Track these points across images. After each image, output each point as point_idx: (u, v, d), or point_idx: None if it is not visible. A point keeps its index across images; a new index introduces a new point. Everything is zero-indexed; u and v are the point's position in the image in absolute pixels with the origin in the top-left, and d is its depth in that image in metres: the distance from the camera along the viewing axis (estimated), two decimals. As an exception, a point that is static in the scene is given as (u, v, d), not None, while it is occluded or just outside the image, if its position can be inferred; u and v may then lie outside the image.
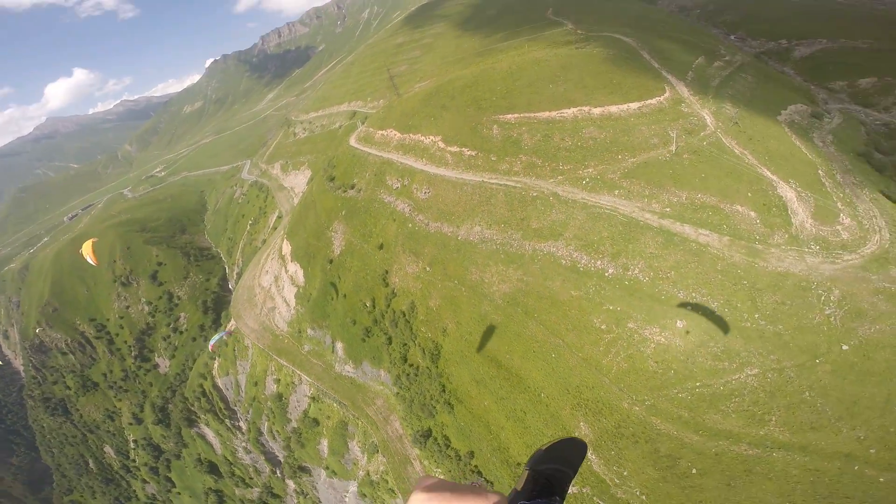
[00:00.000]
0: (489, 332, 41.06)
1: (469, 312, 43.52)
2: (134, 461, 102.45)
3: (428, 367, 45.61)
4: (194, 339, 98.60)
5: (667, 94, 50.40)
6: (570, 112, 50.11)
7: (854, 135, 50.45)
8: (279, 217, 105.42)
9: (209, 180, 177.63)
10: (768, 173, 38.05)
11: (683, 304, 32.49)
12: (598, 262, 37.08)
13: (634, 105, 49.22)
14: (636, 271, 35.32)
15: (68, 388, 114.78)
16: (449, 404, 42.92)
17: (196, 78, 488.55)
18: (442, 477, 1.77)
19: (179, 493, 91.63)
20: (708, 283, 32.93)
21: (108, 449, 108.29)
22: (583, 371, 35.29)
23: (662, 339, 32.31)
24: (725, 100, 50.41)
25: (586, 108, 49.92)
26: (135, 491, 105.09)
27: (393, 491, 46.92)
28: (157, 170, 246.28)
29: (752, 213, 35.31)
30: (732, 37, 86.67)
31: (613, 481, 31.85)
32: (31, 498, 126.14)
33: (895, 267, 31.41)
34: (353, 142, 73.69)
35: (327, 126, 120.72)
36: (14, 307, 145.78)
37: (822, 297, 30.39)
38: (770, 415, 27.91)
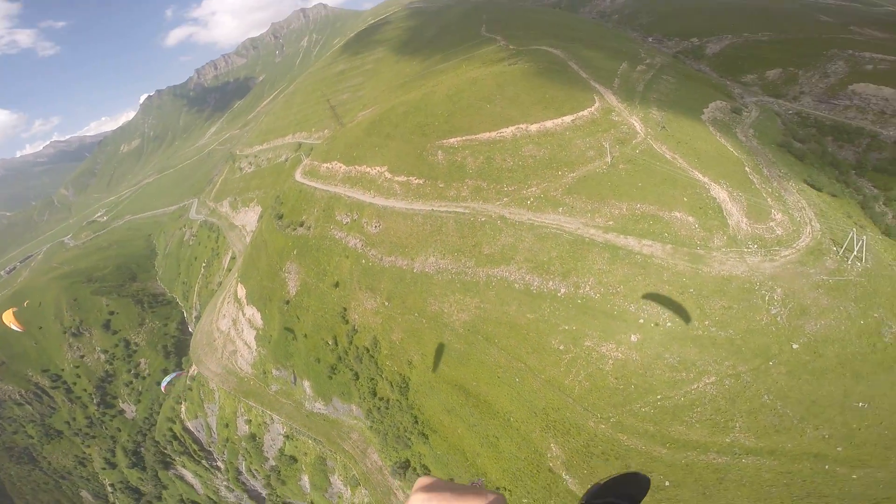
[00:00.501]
0: (452, 360, 39.64)
1: (432, 343, 41.83)
2: None
3: (398, 400, 43.49)
4: (158, 384, 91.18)
5: (597, 105, 51.29)
6: (508, 131, 49.89)
7: (772, 126, 53.39)
8: (233, 258, 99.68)
9: (156, 222, 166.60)
10: (700, 176, 39.09)
11: (635, 318, 32.47)
12: (550, 283, 36.56)
13: (568, 118, 49.68)
14: (587, 289, 35.03)
15: (30, 437, 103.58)
16: (423, 434, 41.09)
17: (131, 115, 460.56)
18: (438, 477, 1.58)
19: None
20: (656, 294, 33.06)
21: (84, 494, 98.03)
22: (547, 393, 34.55)
23: (619, 355, 32.03)
24: (651, 105, 51.95)
25: (524, 126, 49.87)
26: None
27: None
28: (99, 214, 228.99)
29: (691, 219, 35.95)
30: (650, 39, 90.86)
31: (592, 503, 31.06)
32: None
33: (829, 258, 32.66)
34: (298, 176, 70.53)
35: (273, 159, 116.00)
36: None
37: (767, 297, 31.05)
38: (733, 421, 27.97)
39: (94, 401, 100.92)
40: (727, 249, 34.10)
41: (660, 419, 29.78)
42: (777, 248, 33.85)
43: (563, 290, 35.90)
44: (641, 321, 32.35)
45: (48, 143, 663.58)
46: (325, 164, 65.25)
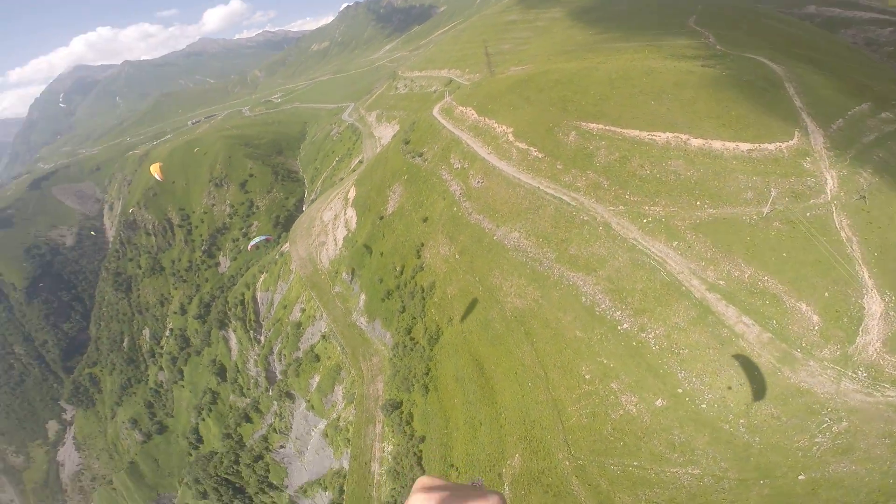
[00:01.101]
0: (485, 337, 39.71)
1: (477, 312, 42.18)
2: (162, 348, 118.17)
3: (423, 347, 45.73)
4: (258, 248, 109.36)
5: (793, 142, 41.43)
6: (663, 136, 43.75)
7: None
8: (360, 162, 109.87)
9: (314, 114, 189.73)
10: (865, 275, 30.13)
11: (675, 385, 28.54)
12: (618, 313, 33.06)
13: (745, 146, 41.31)
14: (650, 335, 31.02)
15: (139, 267, 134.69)
16: (426, 387, 43.26)
17: (329, 20, 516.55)
18: (438, 477, 1.56)
19: (183, 387, 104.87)
20: (716, 373, 28.09)
21: (146, 332, 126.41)
22: (546, 410, 33.36)
23: (634, 410, 29.07)
24: (867, 164, 40.18)
25: (684, 137, 43.15)
26: (147, 376, 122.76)
27: (347, 442, 49.48)
28: (275, 96, 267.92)
29: (815, 318, 28.51)
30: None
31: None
32: (59, 364, 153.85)
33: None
34: (435, 111, 72.65)
35: (425, 87, 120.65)
36: (125, 185, 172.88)
37: (824, 425, 24.80)
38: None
39: (202, 247, 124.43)
40: (829, 365, 26.91)
41: (618, 482, 27.67)
42: (887, 387, 25.71)
43: (625, 325, 32.41)
44: (679, 391, 28.37)
45: (260, 31, 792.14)
46: (460, 107, 65.85)
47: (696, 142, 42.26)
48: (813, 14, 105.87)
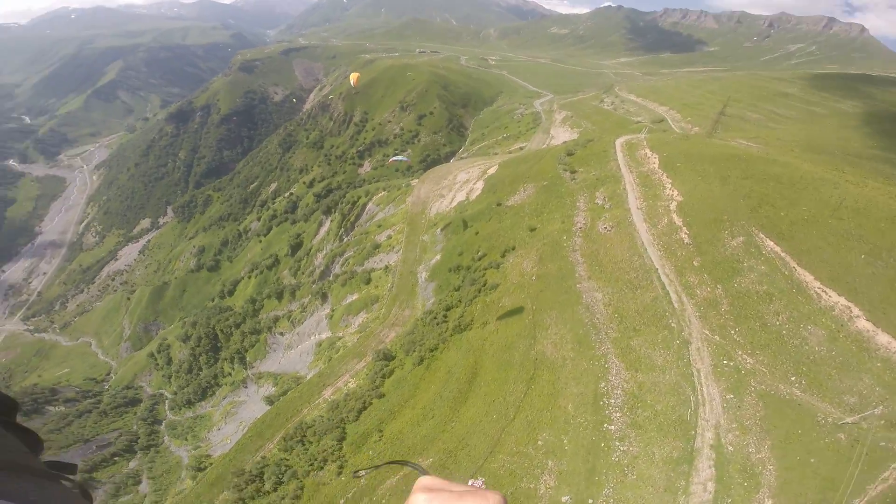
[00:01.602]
0: (498, 358, 38.08)
1: (509, 333, 40.45)
2: (273, 203, 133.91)
3: (447, 329, 45.83)
4: (397, 171, 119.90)
5: None
6: (833, 298, 34.44)
7: None
8: (520, 149, 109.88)
9: (513, 89, 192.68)
10: None
11: (593, 497, 24.21)
12: (617, 414, 28.95)
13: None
14: (623, 447, 26.46)
15: (307, 137, 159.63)
16: (421, 360, 44.76)
17: (581, 10, 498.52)
18: (438, 476, 1.75)
19: (260, 241, 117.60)
20: None
21: (273, 186, 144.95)
22: (484, 443, 32.93)
23: (541, 491, 28.80)
24: None
25: (856, 311, 33.26)
26: (245, 218, 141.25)
27: (328, 361, 53.35)
28: (493, 58, 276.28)
29: None
30: None
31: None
32: (195, 178, 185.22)
33: None
34: (620, 140, 67.71)
35: (631, 114, 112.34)
36: (342, 77, 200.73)
37: None
38: None
39: (359, 148, 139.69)
40: None
41: None
42: None
43: (612, 428, 28.73)
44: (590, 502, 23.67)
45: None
46: (647, 150, 59.96)
47: (862, 323, 32.17)
48: None
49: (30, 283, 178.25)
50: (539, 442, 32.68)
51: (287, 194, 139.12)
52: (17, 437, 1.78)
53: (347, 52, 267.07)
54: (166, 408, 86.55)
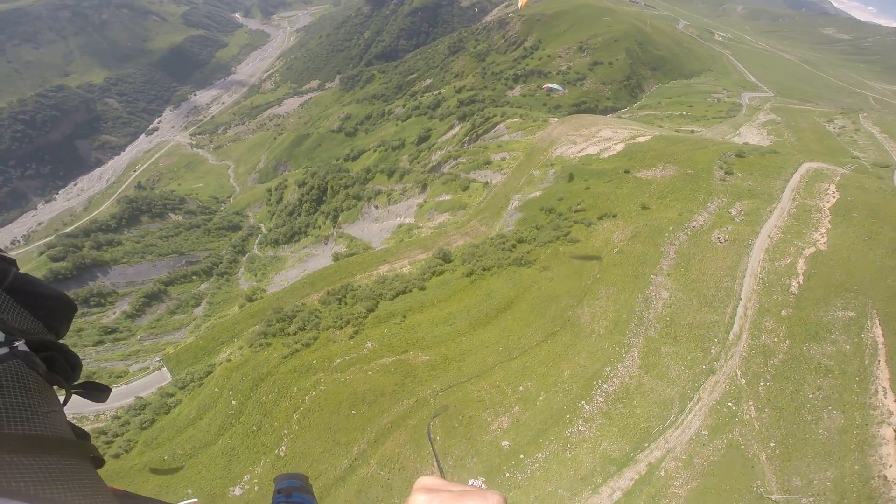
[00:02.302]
0: (532, 306, 39.36)
1: (559, 286, 40.89)
2: (422, 97, 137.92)
3: (508, 255, 47.63)
4: (544, 105, 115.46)
5: None
6: None
7: None
8: (691, 131, 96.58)
9: (725, 71, 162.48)
10: None
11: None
12: (587, 406, 28.47)
13: None
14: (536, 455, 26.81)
15: (475, 46, 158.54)
16: (471, 273, 47.80)
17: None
18: (439, 476, 1.73)
19: (397, 125, 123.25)
20: None
21: (427, 81, 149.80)
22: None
23: None
24: None
25: None
26: (393, 102, 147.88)
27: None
28: (720, 34, 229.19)
29: None
30: None
31: None
32: (370, 56, 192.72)
33: None
34: (808, 164, 55.82)
35: (856, 146, 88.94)
36: (533, 2, 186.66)
37: None
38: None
39: (518, 72, 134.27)
40: None
41: None
42: None
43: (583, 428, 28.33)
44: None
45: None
46: (832, 187, 48.95)
47: (888, 431, 25.94)
48: None
49: (209, 107, 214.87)
50: (520, 388, 34.90)
51: (436, 92, 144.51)
52: (56, 365, 1.69)
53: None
54: (256, 241, 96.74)
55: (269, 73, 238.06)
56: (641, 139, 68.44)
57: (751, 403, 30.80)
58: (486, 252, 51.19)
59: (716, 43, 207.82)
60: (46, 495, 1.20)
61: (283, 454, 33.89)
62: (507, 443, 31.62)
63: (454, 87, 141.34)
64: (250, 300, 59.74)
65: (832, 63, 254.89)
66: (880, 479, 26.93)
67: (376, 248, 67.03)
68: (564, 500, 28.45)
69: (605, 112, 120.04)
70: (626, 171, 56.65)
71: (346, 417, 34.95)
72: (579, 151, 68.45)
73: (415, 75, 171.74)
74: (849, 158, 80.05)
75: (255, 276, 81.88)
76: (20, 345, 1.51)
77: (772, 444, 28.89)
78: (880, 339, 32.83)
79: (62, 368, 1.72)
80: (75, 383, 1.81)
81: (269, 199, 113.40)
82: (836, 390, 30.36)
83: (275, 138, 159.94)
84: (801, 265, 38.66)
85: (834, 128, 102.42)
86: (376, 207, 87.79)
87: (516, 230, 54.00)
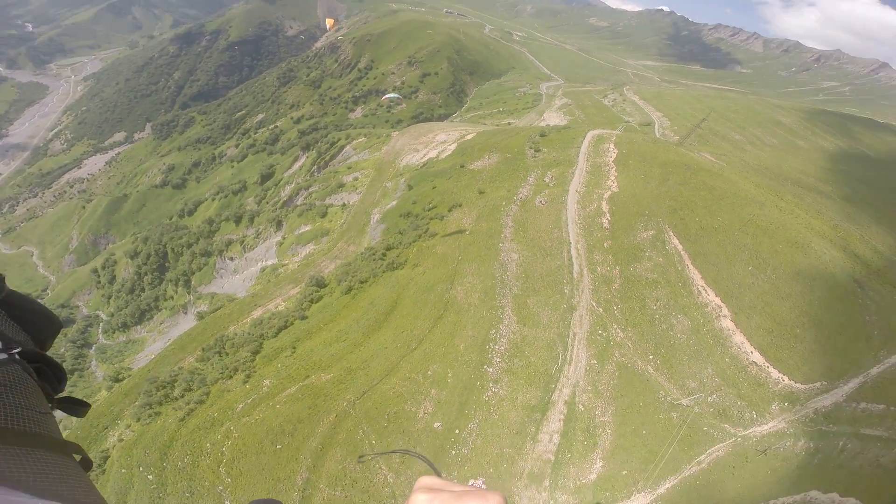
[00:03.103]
0: (417, 296, 43.66)
1: (432, 275, 45.95)
2: (255, 134, 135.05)
3: (381, 265, 51.19)
4: (387, 122, 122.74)
5: (800, 386, 35.79)
6: (710, 297, 40.72)
7: None
8: (508, 123, 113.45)
9: (526, 67, 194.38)
10: None
11: (458, 428, 31.48)
12: (497, 359, 35.03)
13: (759, 357, 36.53)
14: (495, 388, 33.52)
15: (307, 75, 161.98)
16: (350, 289, 50.30)
17: (631, 8, 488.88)
18: (439, 476, 1.78)
19: (233, 167, 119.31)
20: (487, 445, 30.99)
21: (260, 116, 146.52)
22: (382, 366, 38.95)
23: (419, 414, 33.21)
24: (818, 441, 33.03)
25: (726, 312, 39.42)
26: (223, 143, 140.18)
27: (268, 285, 58.70)
28: (517, 34, 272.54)
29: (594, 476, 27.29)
30: None
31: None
32: (184, 99, 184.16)
33: None
34: (591, 133, 71.96)
35: (626, 113, 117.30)
36: (361, 23, 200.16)
37: None
38: None
39: (356, 94, 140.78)
40: None
41: (346, 448, 32.45)
42: None
43: (490, 370, 34.87)
44: (456, 431, 32.35)
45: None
46: (610, 144, 64.89)
47: (726, 322, 38.72)
48: None
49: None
50: (428, 372, 38.50)
51: (272, 126, 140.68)
52: (45, 375, 1.77)
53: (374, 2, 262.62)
54: (99, 331, 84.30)
55: (55, 130, 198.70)
56: (469, 137, 79.23)
57: (615, 326, 39.48)
58: (359, 267, 53.75)
59: (515, 42, 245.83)
60: (45, 487, 1.31)
61: (230, 509, 31.80)
62: (439, 424, 34.63)
63: (291, 118, 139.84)
64: (117, 381, 55.23)
65: (599, 48, 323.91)
66: (754, 365, 37.12)
67: (231, 311, 63.82)
68: (514, 458, 32.29)
69: (440, 119, 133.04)
70: (462, 166, 65.47)
71: (274, 453, 34.16)
72: (422, 157, 75.95)
73: (243, 112, 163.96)
74: (622, 123, 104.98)
75: (113, 364, 73.20)
76: (16, 353, 1.64)
77: (650, 357, 37.34)
78: (680, 247, 45.21)
79: (49, 379, 1.83)
80: (59, 396, 1.93)
81: (100, 281, 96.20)
82: (671, 297, 40.93)
83: (83, 207, 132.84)
84: (605, 206, 50.74)
85: (608, 101, 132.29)
86: (231, 259, 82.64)
87: (383, 240, 57.80)
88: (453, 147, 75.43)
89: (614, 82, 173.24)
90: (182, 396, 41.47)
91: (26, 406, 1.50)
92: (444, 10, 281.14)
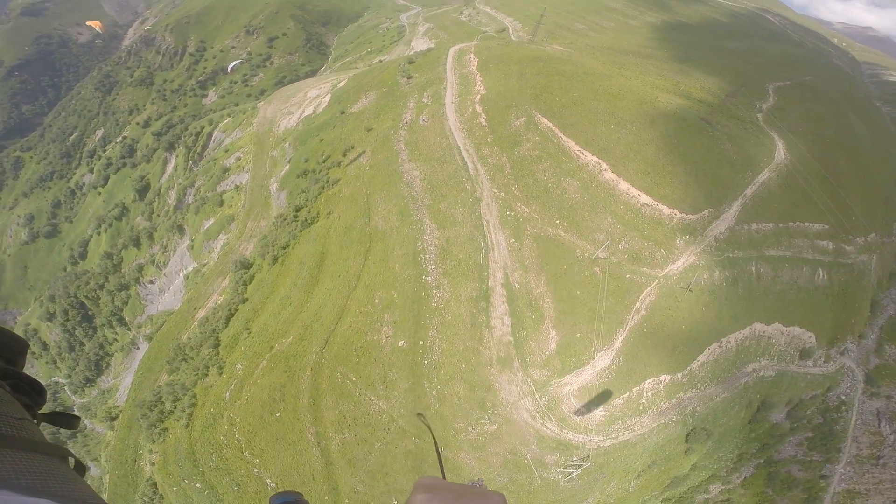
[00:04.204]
0: (341, 239, 47.31)
1: (348, 217, 49.57)
2: (105, 151, 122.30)
3: (297, 226, 53.38)
4: (249, 97, 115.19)
5: (693, 217, 46.68)
6: (589, 157, 49.38)
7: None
8: (380, 62, 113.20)
9: (381, 3, 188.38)
10: (620, 339, 37.48)
11: (423, 338, 37.32)
12: (432, 266, 41.58)
13: (646, 198, 46.64)
14: (438, 293, 40.72)
15: (131, 76, 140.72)
16: (275, 258, 52.66)
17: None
18: (439, 477, 1.82)
19: (100, 194, 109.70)
20: (453, 343, 37.71)
21: (99, 133, 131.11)
22: (334, 312, 42.66)
23: (383, 341, 38.88)
24: (727, 269, 45.62)
25: (605, 166, 48.57)
26: (73, 173, 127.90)
27: (197, 287, 59.10)
28: None
29: (553, 346, 37.06)
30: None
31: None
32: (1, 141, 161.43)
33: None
34: (454, 48, 76.21)
35: (482, 24, 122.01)
36: (169, 7, 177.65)
37: (481, 421, 35.38)
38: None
39: (199, 78, 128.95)
40: (530, 382, 36.12)
41: (333, 387, 37.08)
42: (550, 422, 33.48)
43: (429, 279, 41.02)
44: (421, 342, 37.89)
45: None
46: (471, 55, 69.60)
47: (608, 175, 47.51)
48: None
49: None
50: (376, 301, 42.54)
51: (119, 139, 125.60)
52: (21, 390, 1.90)
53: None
54: (70, 393, 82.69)
55: None
56: (342, 84, 79.42)
57: (519, 204, 45.70)
58: (276, 236, 55.19)
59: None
60: (27, 485, 1.38)
61: (273, 484, 35.94)
62: (403, 342, 38.98)
63: (137, 123, 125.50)
64: (112, 419, 59.04)
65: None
66: (646, 206, 44.42)
67: (176, 320, 63.45)
68: (478, 348, 37.37)
69: (308, 76, 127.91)
70: (342, 112, 66.85)
71: (277, 422, 37.89)
72: (299, 117, 75.29)
73: (76, 134, 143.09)
74: (480, 33, 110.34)
75: (91, 411, 73.76)
76: None
77: (557, 222, 43.58)
78: (550, 124, 52.09)
79: (27, 392, 2.07)
80: (44, 412, 2.13)
81: (34, 353, 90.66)
82: (556, 166, 47.81)
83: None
84: (479, 108, 56.32)
85: (465, 17, 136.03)
86: (151, 282, 78.90)
87: (289, 204, 59.03)
88: (328, 98, 75.59)
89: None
90: (175, 408, 44.08)
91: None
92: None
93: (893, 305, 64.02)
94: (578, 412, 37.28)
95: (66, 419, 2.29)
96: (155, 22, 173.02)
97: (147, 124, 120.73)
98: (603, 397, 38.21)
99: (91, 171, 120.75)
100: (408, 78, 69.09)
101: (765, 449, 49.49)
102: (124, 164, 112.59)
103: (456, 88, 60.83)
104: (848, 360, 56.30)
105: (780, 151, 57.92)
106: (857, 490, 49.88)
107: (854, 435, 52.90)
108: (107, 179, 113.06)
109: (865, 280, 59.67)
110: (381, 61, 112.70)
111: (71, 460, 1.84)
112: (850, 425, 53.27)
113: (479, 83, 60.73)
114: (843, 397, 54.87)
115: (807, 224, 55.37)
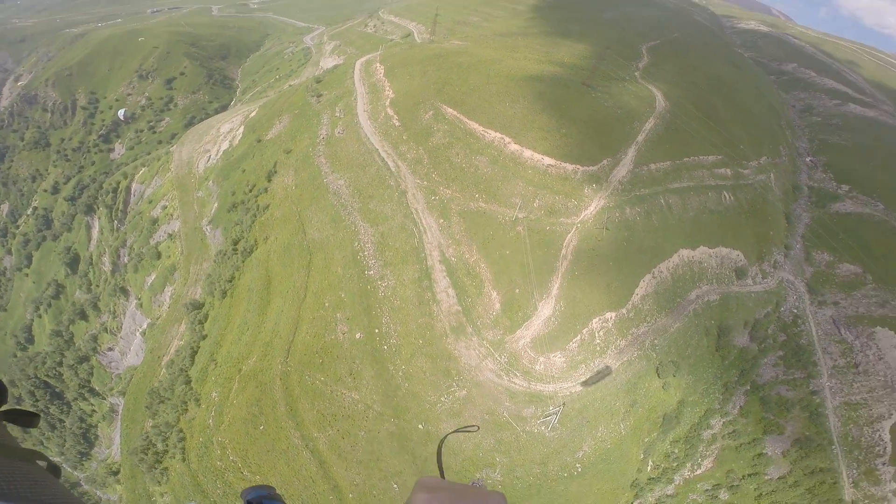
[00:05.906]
0: (282, 258, 50.77)
1: (285, 237, 53.10)
2: (18, 227, 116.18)
3: (238, 258, 56.07)
4: (160, 143, 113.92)
5: (593, 168, 53.48)
6: (492, 134, 55.37)
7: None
8: (290, 87, 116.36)
9: (281, 28, 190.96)
10: (556, 286, 43.70)
11: (377, 326, 41.16)
12: (372, 261, 45.99)
13: (548, 160, 53.48)
14: (382, 284, 44.25)
15: (22, 139, 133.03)
16: (224, 292, 55.09)
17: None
18: (439, 478, 1.85)
19: (27, 275, 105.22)
20: (406, 324, 42.00)
21: (4, 207, 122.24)
22: (289, 324, 46.23)
23: (340, 338, 42.63)
24: (636, 206, 53.45)
25: (507, 139, 54.79)
26: None
27: (156, 338, 60.51)
28: (254, 1, 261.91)
29: (498, 306, 42.35)
30: (808, 158, 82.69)
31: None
32: None
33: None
34: (361, 60, 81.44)
35: (388, 33, 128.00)
36: (45, 60, 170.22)
37: (451, 389, 39.92)
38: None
39: (101, 132, 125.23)
40: (486, 345, 41.40)
41: (305, 391, 41.06)
42: (517, 376, 39.10)
43: (371, 272, 45.20)
44: (376, 331, 42.37)
45: None
46: (377, 63, 75.03)
47: (513, 147, 54.16)
48: (788, 71, 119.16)
49: None
50: (326, 304, 46.60)
51: (30, 210, 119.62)
52: None
53: (42, 31, 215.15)
54: (70, 469, 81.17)
55: None
56: (253, 114, 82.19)
57: (441, 188, 50.44)
58: (220, 272, 57.46)
59: (256, 11, 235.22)
60: None
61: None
62: (360, 334, 42.72)
63: (45, 190, 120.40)
64: (115, 473, 63.57)
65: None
66: (551, 167, 50.38)
67: (144, 370, 64.20)
68: (431, 323, 41.28)
69: (219, 112, 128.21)
70: (259, 140, 69.97)
71: (262, 434, 40.70)
72: (217, 153, 77.39)
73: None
74: (386, 42, 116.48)
75: (98, 482, 73.36)
76: None
77: (476, 196, 47.95)
78: (454, 112, 57.91)
79: None
80: (2, 409, 2.13)
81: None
82: (466, 148, 53.07)
83: None
84: (390, 111, 61.46)
85: (371, 29, 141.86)
86: (110, 349, 78.12)
87: (226, 239, 61.50)
88: (241, 129, 78.21)
89: (370, 10, 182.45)
90: (167, 446, 46.84)
91: None
92: (149, 10, 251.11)
93: (806, 215, 71.56)
94: (538, 363, 42.03)
95: (25, 417, 2.33)
96: (31, 78, 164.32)
97: (56, 190, 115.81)
98: (557, 343, 42.29)
99: (9, 251, 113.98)
100: (318, 96, 73.39)
101: (745, 374, 52.70)
102: (44, 238, 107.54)
103: (367, 97, 65.90)
104: (784, 273, 60.69)
105: (660, 101, 67.52)
106: (854, 402, 51.99)
107: (823, 346, 55.75)
108: (30, 258, 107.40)
109: (770, 195, 69.39)
110: (290, 86, 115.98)
111: (42, 463, 1.92)
112: (813, 338, 55.99)
113: (387, 88, 66.15)
114: (795, 311, 57.98)
115: (701, 157, 64.51)
